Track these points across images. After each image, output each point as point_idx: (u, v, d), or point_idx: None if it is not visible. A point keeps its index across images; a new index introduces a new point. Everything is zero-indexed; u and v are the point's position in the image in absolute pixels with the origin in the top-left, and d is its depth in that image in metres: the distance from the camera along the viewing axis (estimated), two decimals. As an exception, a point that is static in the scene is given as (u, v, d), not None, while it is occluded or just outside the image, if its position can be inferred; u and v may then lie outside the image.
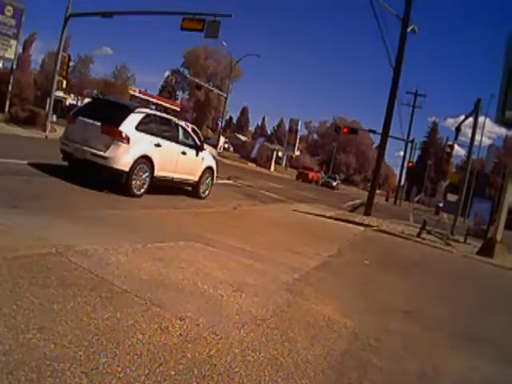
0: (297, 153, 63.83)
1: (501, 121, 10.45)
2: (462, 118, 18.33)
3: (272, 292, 3.90)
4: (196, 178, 9.68)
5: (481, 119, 24.02)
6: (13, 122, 15.82)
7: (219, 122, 42.40)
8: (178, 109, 62.62)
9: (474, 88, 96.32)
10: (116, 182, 7.59)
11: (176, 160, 8.79)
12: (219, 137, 42.04)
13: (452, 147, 21.96)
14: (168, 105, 61.21)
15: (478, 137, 27.38)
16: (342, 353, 2.93)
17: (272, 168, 45.17)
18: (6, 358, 1.88)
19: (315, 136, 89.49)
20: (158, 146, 8.11)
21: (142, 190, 7.96)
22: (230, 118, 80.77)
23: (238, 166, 34.40)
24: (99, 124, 7.52)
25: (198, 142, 9.84)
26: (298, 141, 61.59)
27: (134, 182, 7.70)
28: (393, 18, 14.24)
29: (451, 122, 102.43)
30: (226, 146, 55.07)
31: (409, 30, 14.42)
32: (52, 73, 18.88)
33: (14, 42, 17.51)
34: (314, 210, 13.27)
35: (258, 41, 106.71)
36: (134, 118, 7.75)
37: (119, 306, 2.72)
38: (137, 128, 7.73)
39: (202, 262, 4.28)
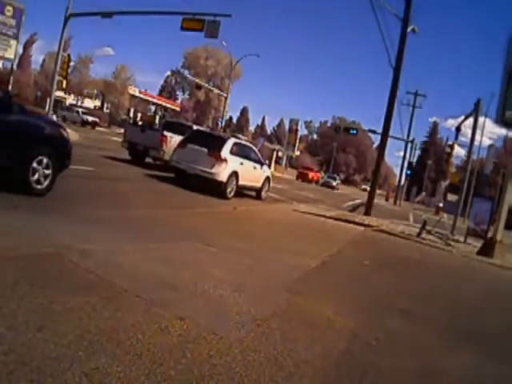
0: (297, 153, 63.82)
1: (501, 121, 10.43)
2: (463, 118, 18.32)
3: (272, 292, 3.90)
4: (259, 185, 12.98)
5: (481, 119, 24.05)
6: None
7: (219, 122, 42.42)
8: (178, 109, 62.62)
9: (475, 88, 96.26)
10: (217, 190, 10.78)
11: (250, 173, 12.06)
12: (219, 137, 41.88)
13: (452, 147, 21.95)
14: (168, 105, 61.20)
15: (478, 137, 27.34)
16: (341, 352, 2.92)
17: (272, 168, 45.14)
18: (6, 358, 1.88)
19: (315, 136, 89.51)
20: (241, 164, 11.48)
21: (232, 194, 11.27)
22: (230, 118, 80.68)
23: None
24: (206, 150, 10.74)
25: (262, 159, 13.35)
26: (298, 141, 61.56)
27: (228, 189, 10.95)
28: (393, 17, 14.26)
29: (452, 123, 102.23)
30: (226, 145, 54.92)
31: (409, 29, 14.42)
32: (52, 73, 18.89)
33: (13, 42, 17.49)
34: (314, 210, 13.26)
35: (258, 41, 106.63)
36: (228, 146, 11.03)
37: (119, 305, 2.71)
38: (230, 152, 10.98)
39: (202, 262, 4.28)
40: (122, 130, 19.03)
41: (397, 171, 57.25)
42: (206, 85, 49.14)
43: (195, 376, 2.14)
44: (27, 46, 60.91)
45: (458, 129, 19.12)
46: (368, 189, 26.25)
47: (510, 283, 8.32)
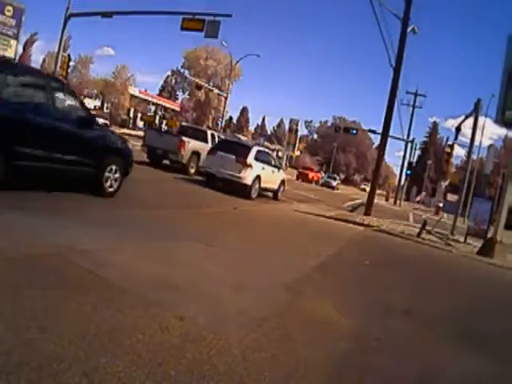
0: (297, 153, 63.81)
1: (501, 121, 10.44)
2: (463, 118, 18.31)
3: (272, 292, 3.90)
4: (277, 187, 14.42)
5: (482, 119, 23.97)
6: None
7: (219, 122, 42.42)
8: (178, 109, 62.56)
9: (475, 88, 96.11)
10: (243, 191, 12.09)
11: (270, 176, 13.45)
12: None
13: (452, 147, 21.95)
14: (168, 105, 61.13)
15: (478, 137, 27.24)
16: (342, 352, 2.92)
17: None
18: (6, 358, 1.89)
19: (315, 136, 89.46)
20: (263, 169, 12.85)
21: (255, 195, 12.63)
22: (230, 118, 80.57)
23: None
24: (233, 157, 12.02)
25: (278, 164, 15.07)
26: (298, 141, 61.53)
27: (252, 191, 12.34)
28: (393, 17, 14.26)
29: (452, 123, 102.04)
30: (226, 145, 54.84)
31: (409, 30, 14.42)
32: (52, 73, 18.88)
33: (13, 42, 17.49)
34: (314, 209, 13.27)
35: (258, 41, 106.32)
36: (253, 153, 12.40)
37: (119, 305, 2.72)
38: (254, 158, 12.32)
39: (202, 262, 4.28)
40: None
41: (397, 171, 57.23)
42: (206, 85, 49.09)
43: (195, 376, 2.14)
44: (27, 45, 60.82)
45: (458, 129, 19.09)
46: (367, 189, 26.16)
47: (510, 283, 8.32)
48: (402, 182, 39.93)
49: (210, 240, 5.35)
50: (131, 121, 46.77)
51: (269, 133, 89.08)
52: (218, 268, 4.19)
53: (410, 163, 38.39)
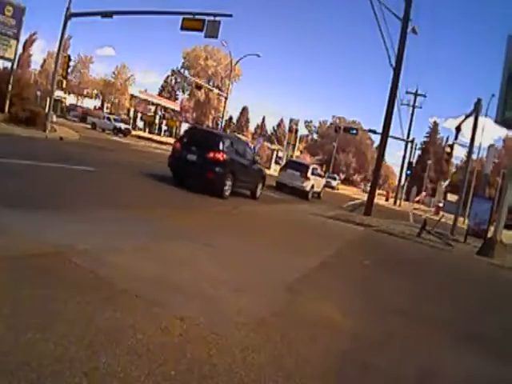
0: (297, 153, 63.71)
1: (501, 121, 10.45)
2: (463, 118, 18.29)
3: (272, 292, 3.90)
4: (320, 190, 20.55)
5: (484, 120, 23.99)
6: (13, 121, 15.75)
7: (219, 122, 42.36)
8: (178, 109, 62.57)
9: (476, 88, 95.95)
10: (304, 196, 17.96)
11: (317, 183, 19.41)
12: (219, 137, 41.73)
13: (452, 147, 21.98)
14: (168, 105, 61.12)
15: (478, 137, 27.12)
16: (341, 352, 2.92)
17: (272, 168, 45.05)
18: (6, 358, 1.88)
19: (315, 136, 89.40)
20: (315, 179, 18.92)
21: (310, 197, 18.46)
22: (230, 118, 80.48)
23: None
24: (298, 173, 18.12)
25: (322, 173, 22.47)
26: (298, 141, 61.39)
27: (309, 195, 18.39)
28: (393, 17, 14.26)
29: (452, 123, 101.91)
30: (226, 145, 54.77)
31: (409, 30, 14.43)
32: (52, 73, 18.86)
33: (13, 42, 17.41)
34: (314, 210, 13.28)
35: (258, 41, 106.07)
36: (310, 169, 18.55)
37: (119, 306, 2.72)
38: (311, 173, 18.49)
39: (202, 262, 4.28)
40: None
41: (397, 171, 57.14)
42: (206, 85, 49.08)
43: (195, 376, 2.14)
44: (27, 45, 60.79)
45: (458, 129, 19.10)
46: (367, 189, 26.12)
47: (510, 283, 8.32)
48: (402, 182, 39.92)
49: (210, 240, 5.34)
50: (131, 121, 46.74)
51: (269, 133, 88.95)
52: (218, 268, 4.18)
53: (409, 163, 38.40)
